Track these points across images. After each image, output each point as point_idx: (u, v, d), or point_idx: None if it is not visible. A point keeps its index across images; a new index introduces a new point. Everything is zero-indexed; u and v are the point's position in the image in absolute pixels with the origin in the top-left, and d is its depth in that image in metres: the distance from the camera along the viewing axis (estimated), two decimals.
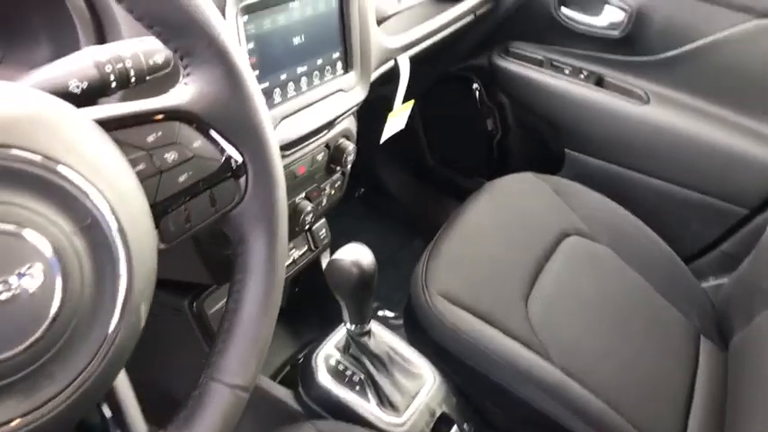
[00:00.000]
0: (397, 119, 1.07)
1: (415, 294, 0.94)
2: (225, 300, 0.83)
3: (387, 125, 1.04)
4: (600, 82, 1.29)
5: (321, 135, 0.80)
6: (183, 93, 0.42)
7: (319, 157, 0.83)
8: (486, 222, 1.09)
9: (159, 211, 0.40)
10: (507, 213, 1.12)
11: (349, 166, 0.89)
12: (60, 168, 0.32)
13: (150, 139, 0.40)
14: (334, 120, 0.79)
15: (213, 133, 0.43)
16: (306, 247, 0.99)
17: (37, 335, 0.31)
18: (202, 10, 0.40)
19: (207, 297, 0.83)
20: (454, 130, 1.60)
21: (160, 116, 0.41)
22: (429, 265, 0.97)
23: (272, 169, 0.46)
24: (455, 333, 0.89)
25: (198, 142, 0.42)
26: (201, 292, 0.82)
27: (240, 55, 0.44)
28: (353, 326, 0.82)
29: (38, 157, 0.31)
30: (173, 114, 0.41)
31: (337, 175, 0.90)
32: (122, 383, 0.41)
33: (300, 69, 0.72)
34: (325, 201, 0.91)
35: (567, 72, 1.31)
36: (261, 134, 0.45)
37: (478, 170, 1.58)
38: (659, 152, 1.23)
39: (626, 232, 1.16)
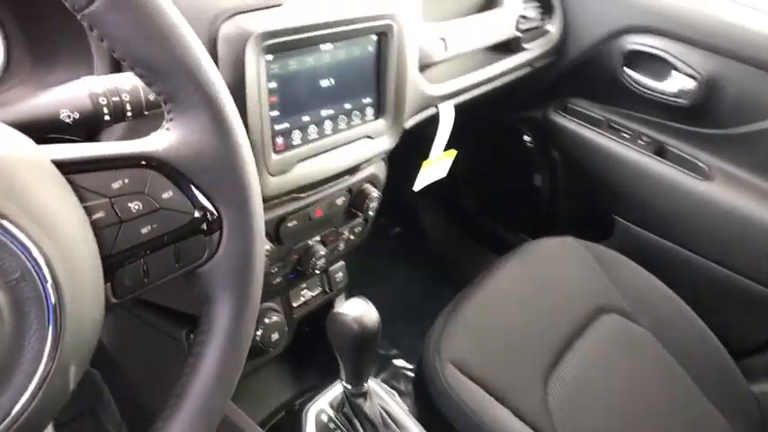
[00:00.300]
0: (435, 167, 1.02)
1: (425, 358, 0.88)
2: None
3: (422, 173, 0.99)
4: (660, 151, 1.20)
5: (342, 180, 0.76)
6: (162, 139, 0.39)
7: (339, 202, 0.79)
8: (515, 287, 1.02)
9: (114, 263, 0.37)
10: (540, 279, 1.05)
11: (372, 213, 0.85)
12: (13, 232, 0.30)
13: (115, 185, 0.37)
14: (357, 166, 0.76)
15: (189, 185, 0.40)
16: (320, 289, 0.95)
17: None
18: (190, 53, 0.38)
19: None
20: (500, 180, 1.54)
21: (131, 163, 0.38)
22: (445, 327, 0.91)
23: (250, 228, 0.43)
24: (461, 407, 0.82)
25: (169, 193, 0.39)
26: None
27: (229, 103, 0.40)
28: (349, 384, 0.77)
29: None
30: (144, 161, 0.38)
31: (358, 221, 0.87)
32: None
33: (325, 112, 0.69)
34: (342, 245, 0.87)
35: (626, 136, 1.23)
36: (243, 190, 0.42)
37: (521, 226, 1.51)
38: (718, 233, 1.13)
39: (671, 317, 1.06)
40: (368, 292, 1.40)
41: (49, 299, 0.32)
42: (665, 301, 1.08)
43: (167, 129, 0.40)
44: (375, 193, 0.83)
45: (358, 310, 0.73)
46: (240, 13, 0.57)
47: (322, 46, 0.65)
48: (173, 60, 0.37)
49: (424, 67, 0.86)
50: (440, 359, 0.87)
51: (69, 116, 0.45)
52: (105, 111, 0.46)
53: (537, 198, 1.44)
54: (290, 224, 0.73)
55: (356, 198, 0.82)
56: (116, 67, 0.56)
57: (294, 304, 0.91)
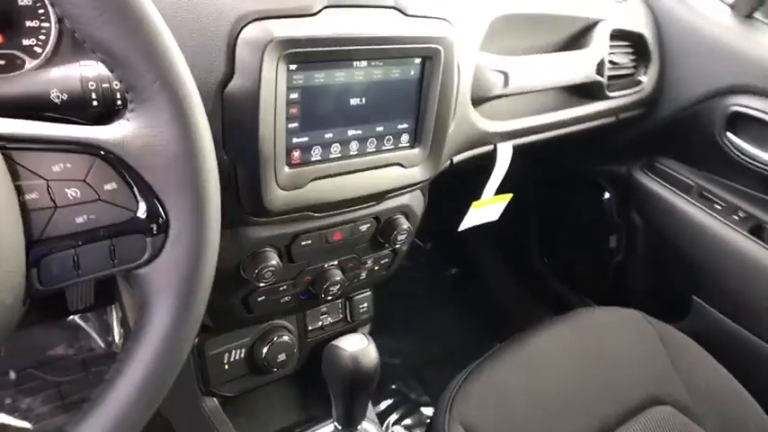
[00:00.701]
0: (486, 210, 0.95)
1: (436, 416, 0.80)
2: (226, 345, 0.78)
3: (470, 213, 0.93)
4: (757, 230, 1.04)
5: (366, 206, 0.72)
6: (117, 129, 0.37)
7: (363, 228, 0.75)
8: (557, 352, 0.92)
9: (42, 249, 0.36)
10: (589, 350, 0.94)
11: (401, 245, 0.80)
12: None
13: (56, 168, 0.35)
14: (384, 194, 0.71)
15: (137, 180, 0.38)
16: (340, 317, 0.91)
17: None
18: (151, 39, 0.35)
19: (209, 339, 0.78)
20: (571, 236, 1.42)
21: (78, 148, 0.36)
22: (464, 383, 0.83)
23: (199, 236, 0.39)
24: None
25: (112, 185, 0.37)
26: (203, 331, 0.78)
27: (193, 97, 0.38)
28: (340, 425, 0.72)
29: None
30: (92, 149, 0.36)
31: (385, 252, 0.82)
32: None
33: (352, 132, 0.65)
34: (364, 275, 0.82)
35: (718, 207, 1.09)
36: (196, 194, 0.39)
37: (587, 288, 1.38)
38: None
39: (742, 423, 0.90)
40: (410, 329, 1.34)
41: None
42: (737, 404, 0.92)
43: (127, 119, 0.38)
44: (406, 225, 0.78)
45: (356, 347, 0.68)
46: (266, 17, 0.55)
47: (356, 62, 0.62)
48: (131, 46, 0.35)
49: (479, 101, 0.80)
50: (450, 418, 0.79)
51: (58, 97, 0.44)
52: (93, 96, 0.45)
53: (609, 262, 1.31)
54: (303, 243, 0.70)
55: (384, 227, 0.77)
56: None
57: (310, 327, 0.87)
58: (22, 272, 0.35)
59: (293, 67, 0.57)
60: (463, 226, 0.94)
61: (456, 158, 0.84)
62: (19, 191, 0.34)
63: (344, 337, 0.69)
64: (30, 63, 0.59)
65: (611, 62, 1.00)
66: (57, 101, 0.44)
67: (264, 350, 0.81)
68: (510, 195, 0.97)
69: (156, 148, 0.37)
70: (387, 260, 0.83)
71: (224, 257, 0.65)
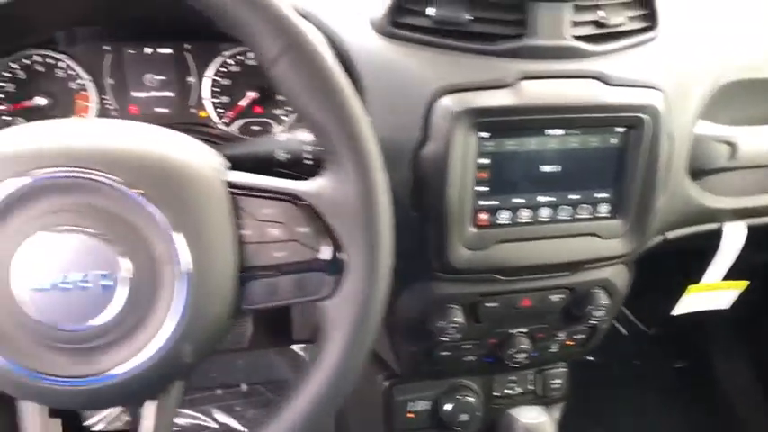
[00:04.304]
0: (710, 296, 0.84)
1: None
2: (413, 393, 0.81)
3: (686, 298, 0.83)
4: None
5: (557, 275, 0.70)
6: (313, 183, 0.45)
7: (554, 298, 0.73)
8: None
9: (249, 274, 0.44)
10: None
11: (598, 323, 0.75)
12: (173, 231, 0.40)
13: (265, 211, 0.44)
14: (578, 264, 0.69)
15: (324, 226, 0.45)
16: (530, 388, 0.87)
17: (108, 316, 0.40)
18: (345, 112, 0.43)
19: (398, 384, 0.83)
20: None
21: (283, 197, 0.45)
22: None
23: (372, 279, 0.45)
24: None
25: (305, 229, 0.45)
26: (392, 377, 0.82)
27: (376, 161, 0.44)
28: None
29: (157, 213, 0.40)
30: (293, 198, 0.45)
31: (580, 327, 0.77)
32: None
33: (544, 199, 0.65)
34: (555, 348, 0.79)
35: None
36: (371, 242, 0.44)
37: None
38: None
39: None
40: (615, 420, 1.21)
41: (183, 283, 0.40)
42: None
43: (320, 175, 0.45)
44: (605, 301, 0.73)
45: (530, 419, 0.66)
46: (462, 89, 0.60)
47: (549, 131, 0.63)
48: (328, 117, 0.43)
49: (700, 173, 0.73)
50: None
51: (283, 156, 0.55)
52: (309, 156, 0.55)
53: None
54: (488, 305, 0.71)
55: (579, 300, 0.74)
56: None
57: (495, 393, 0.86)
58: (232, 290, 0.44)
59: (485, 134, 0.61)
60: (678, 310, 0.84)
61: (671, 234, 0.77)
62: (237, 227, 0.44)
63: (523, 408, 0.67)
64: (276, 128, 0.74)
65: None
66: (281, 158, 0.55)
67: (448, 407, 0.82)
68: (745, 283, 0.84)
69: (341, 200, 0.44)
70: (582, 336, 0.79)
71: (411, 308, 0.70)
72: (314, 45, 0.41)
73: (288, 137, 0.56)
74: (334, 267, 0.45)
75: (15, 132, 0.43)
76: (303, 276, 0.45)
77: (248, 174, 0.45)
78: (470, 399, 0.83)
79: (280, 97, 0.73)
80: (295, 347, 1.23)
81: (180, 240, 0.41)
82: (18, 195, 0.39)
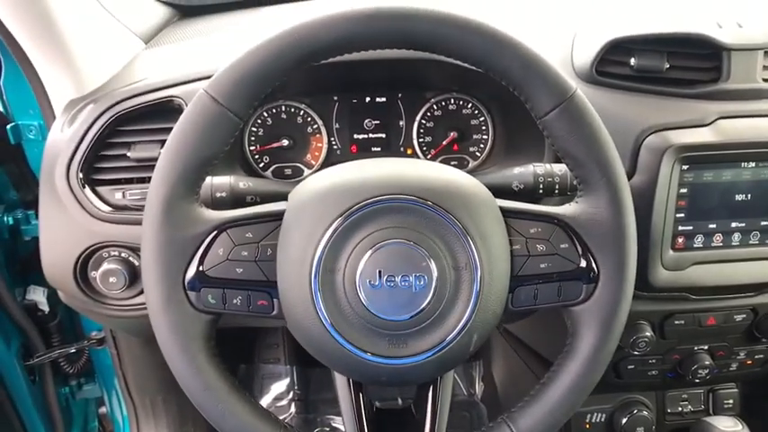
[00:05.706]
0: None
1: None
2: (591, 405, 0.88)
3: None
4: None
5: (743, 296, 0.76)
6: (571, 208, 0.55)
7: (738, 318, 0.78)
8: None
9: (517, 281, 0.55)
10: None
11: None
12: (469, 240, 0.51)
13: (532, 231, 0.55)
14: (762, 285, 0.74)
15: (581, 243, 0.54)
16: (702, 407, 0.91)
17: (419, 309, 0.51)
18: (603, 152, 0.52)
19: None
20: None
21: (546, 219, 0.55)
22: None
23: (620, 289, 0.53)
24: None
25: (565, 245, 0.54)
26: None
27: (626, 191, 0.53)
28: None
29: (456, 224, 0.51)
30: (555, 220, 0.55)
31: (761, 347, 0.82)
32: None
33: (735, 224, 0.72)
34: (734, 366, 0.83)
35: None
36: (621, 256, 0.53)
37: None
38: None
39: None
40: None
41: (476, 285, 0.51)
42: None
43: (576, 201, 0.55)
44: None
45: (727, 427, 0.71)
46: (667, 129, 0.68)
47: (744, 163, 0.70)
48: (590, 156, 0.53)
49: None
50: None
51: (517, 186, 0.66)
52: (541, 187, 0.65)
53: None
54: (676, 322, 0.77)
55: (761, 321, 0.79)
56: (558, 159, 0.75)
57: (669, 410, 0.91)
58: (506, 293, 0.54)
59: (685, 167, 0.69)
60: None
61: None
62: (510, 243, 0.54)
63: (717, 417, 0.72)
64: (471, 164, 0.85)
65: None
66: (516, 189, 0.66)
67: (623, 420, 0.88)
68: None
69: (597, 222, 0.54)
70: (762, 356, 0.83)
71: None
72: (582, 101, 0.52)
73: (520, 170, 0.66)
74: (589, 277, 0.54)
75: (353, 167, 0.56)
76: (563, 284, 0.55)
77: (511, 201, 0.56)
78: (645, 414, 0.89)
79: (476, 136, 0.85)
80: None
81: (475, 249, 0.51)
82: (360, 215, 0.51)
